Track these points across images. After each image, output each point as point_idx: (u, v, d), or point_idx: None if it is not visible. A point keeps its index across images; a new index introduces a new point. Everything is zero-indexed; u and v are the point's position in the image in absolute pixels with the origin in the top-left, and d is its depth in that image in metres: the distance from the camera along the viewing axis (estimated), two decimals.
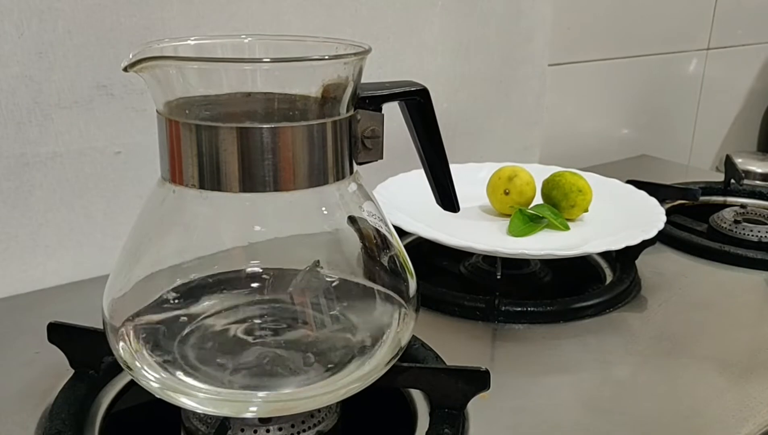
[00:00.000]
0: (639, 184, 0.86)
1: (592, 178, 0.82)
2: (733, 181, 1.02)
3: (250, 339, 0.46)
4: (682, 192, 0.94)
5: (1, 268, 0.67)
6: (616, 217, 0.77)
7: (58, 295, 0.68)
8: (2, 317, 0.64)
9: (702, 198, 0.96)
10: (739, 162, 1.15)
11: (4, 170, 0.65)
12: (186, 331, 0.46)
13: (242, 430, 0.44)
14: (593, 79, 1.16)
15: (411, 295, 0.47)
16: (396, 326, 0.46)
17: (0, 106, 0.63)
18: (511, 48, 0.99)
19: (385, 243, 0.46)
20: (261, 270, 0.48)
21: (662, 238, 0.80)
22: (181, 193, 0.42)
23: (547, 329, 0.63)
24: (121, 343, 0.44)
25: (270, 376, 0.43)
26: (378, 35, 0.85)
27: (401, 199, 0.75)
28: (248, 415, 0.42)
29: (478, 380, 0.48)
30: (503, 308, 0.64)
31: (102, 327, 0.45)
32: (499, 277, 0.69)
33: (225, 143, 0.39)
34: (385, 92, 0.44)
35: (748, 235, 0.84)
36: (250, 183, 0.40)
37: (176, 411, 0.46)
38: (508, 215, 0.77)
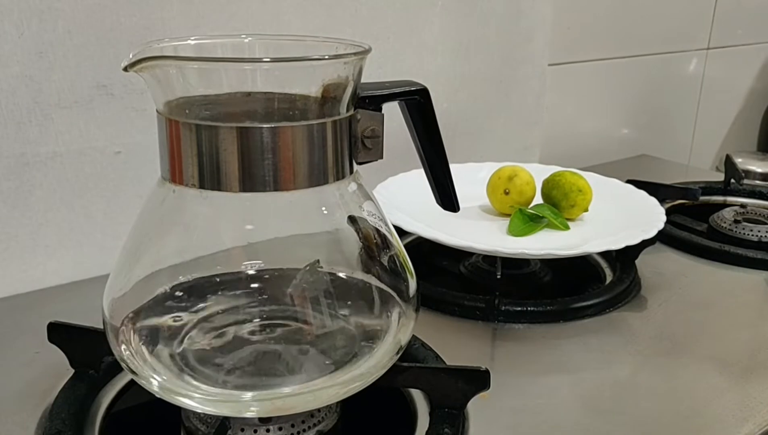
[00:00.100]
0: (639, 184, 0.86)
1: (592, 178, 0.82)
2: (733, 180, 1.02)
3: (250, 339, 0.46)
4: (682, 192, 0.94)
5: (1, 267, 0.67)
6: (616, 217, 0.77)
7: (58, 294, 0.68)
8: (2, 317, 0.64)
9: (702, 198, 0.96)
10: (739, 162, 1.15)
11: (4, 170, 0.65)
12: (186, 330, 0.46)
13: (242, 430, 0.44)
14: (593, 78, 1.16)
15: (411, 295, 0.47)
16: (396, 326, 0.46)
17: (0, 105, 0.63)
18: (511, 48, 0.99)
19: (385, 243, 0.46)
20: (261, 270, 0.48)
21: (662, 237, 0.80)
22: (181, 192, 0.42)
23: (547, 329, 0.63)
24: (122, 343, 0.44)
25: (270, 376, 0.43)
26: (378, 35, 0.85)
27: (401, 198, 0.75)
28: (248, 414, 0.42)
29: (478, 380, 0.48)
30: (503, 308, 0.64)
31: (102, 327, 0.45)
32: (499, 276, 0.69)
33: (225, 143, 0.39)
34: (385, 92, 0.44)
35: (748, 234, 0.84)
36: (250, 183, 0.40)
37: (176, 411, 0.46)
38: (508, 215, 0.77)
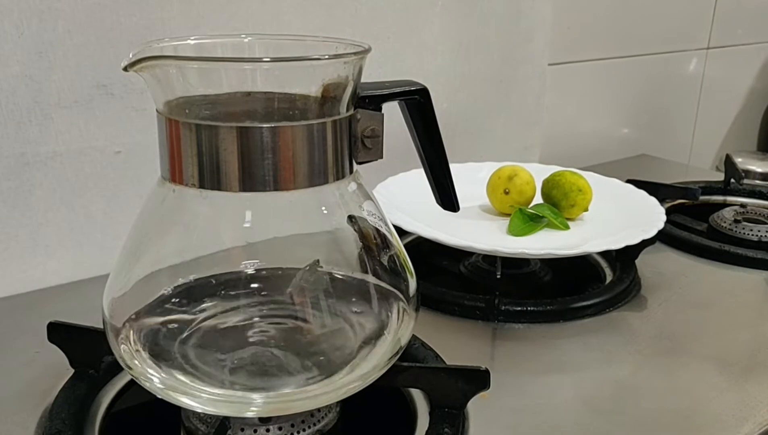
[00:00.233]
0: (639, 184, 0.86)
1: (592, 178, 0.82)
2: (733, 180, 1.02)
3: (250, 338, 0.46)
4: (682, 191, 0.94)
5: (1, 267, 0.67)
6: (616, 217, 0.77)
7: (58, 294, 0.68)
8: (2, 317, 0.64)
9: (702, 197, 0.96)
10: (739, 161, 1.15)
11: (4, 170, 0.65)
12: (186, 330, 0.46)
13: (242, 430, 0.44)
14: (593, 78, 1.16)
15: (411, 295, 0.47)
16: (396, 326, 0.46)
17: (0, 105, 0.63)
18: (511, 48, 0.99)
19: (384, 242, 0.46)
20: (261, 269, 0.48)
21: (662, 237, 0.80)
22: (181, 192, 0.42)
23: (547, 329, 0.63)
24: (122, 343, 0.44)
25: (270, 376, 0.43)
26: (378, 35, 0.85)
27: (401, 198, 0.75)
28: (248, 414, 0.42)
29: (478, 380, 0.48)
30: (503, 308, 0.64)
31: (102, 326, 0.45)
32: (499, 276, 0.69)
33: (225, 143, 0.39)
34: (385, 92, 0.44)
35: (748, 234, 0.84)
36: (250, 182, 0.40)
37: (176, 411, 0.46)
38: (508, 215, 0.77)
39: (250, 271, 0.48)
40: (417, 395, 0.52)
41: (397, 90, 0.45)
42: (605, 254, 0.77)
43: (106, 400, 0.51)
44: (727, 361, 0.59)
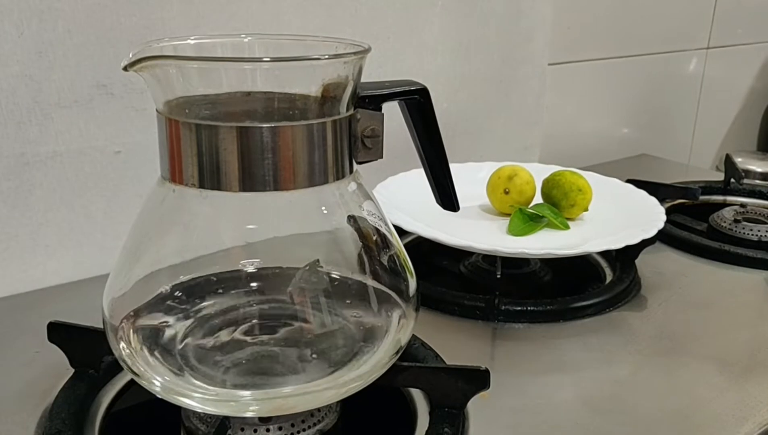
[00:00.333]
0: (639, 184, 0.86)
1: (592, 178, 0.82)
2: (732, 180, 1.02)
3: (249, 338, 0.46)
4: (682, 191, 0.94)
5: (1, 267, 0.67)
6: (616, 217, 0.77)
7: (58, 294, 0.68)
8: (2, 317, 0.64)
9: (702, 197, 0.96)
10: (739, 161, 1.15)
11: (4, 170, 0.65)
12: (186, 330, 0.46)
13: (242, 430, 0.44)
14: (593, 78, 1.16)
15: (411, 295, 0.47)
16: (396, 325, 0.46)
17: (0, 105, 0.63)
18: (511, 48, 0.99)
19: (384, 242, 0.46)
20: (261, 269, 0.48)
21: (662, 237, 0.80)
22: (181, 192, 0.42)
23: (547, 328, 0.63)
24: (122, 343, 0.44)
25: (270, 376, 0.43)
26: (378, 35, 0.85)
27: (401, 198, 0.75)
28: (248, 414, 0.42)
29: (478, 379, 0.48)
30: (503, 307, 0.64)
31: (102, 326, 0.45)
32: (499, 276, 0.69)
33: (225, 142, 0.39)
34: (385, 91, 0.44)
35: (748, 234, 0.84)
36: (249, 182, 0.40)
37: (176, 410, 0.46)
38: (508, 214, 0.77)
39: (250, 270, 0.48)
40: (417, 395, 0.52)
41: (397, 90, 0.45)
42: (605, 254, 0.77)
43: (106, 400, 0.51)
44: (727, 361, 0.59)
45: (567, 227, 0.76)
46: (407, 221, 0.69)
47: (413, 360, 0.54)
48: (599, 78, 1.17)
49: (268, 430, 0.44)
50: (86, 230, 0.70)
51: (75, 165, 0.68)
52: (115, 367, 0.52)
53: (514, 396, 0.53)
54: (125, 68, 0.38)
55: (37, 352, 0.56)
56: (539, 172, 0.81)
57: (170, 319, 0.46)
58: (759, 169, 1.19)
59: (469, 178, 0.79)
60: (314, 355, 0.45)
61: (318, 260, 0.47)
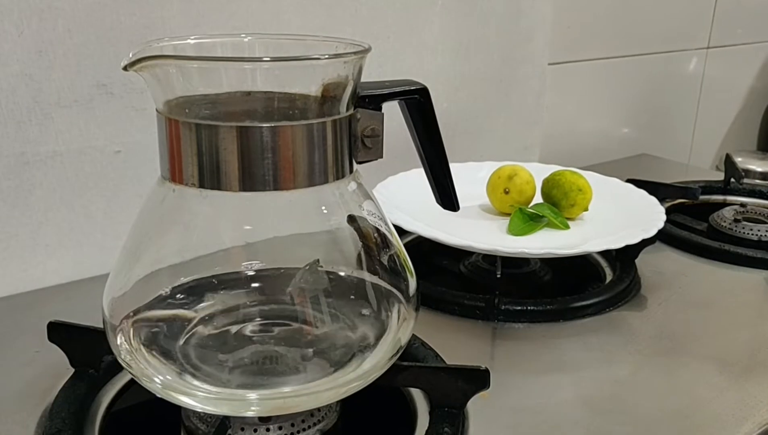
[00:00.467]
0: (639, 183, 0.86)
1: (592, 177, 0.82)
2: (732, 180, 1.02)
3: (249, 338, 0.46)
4: (682, 191, 0.94)
5: (1, 267, 0.67)
6: (616, 216, 0.77)
7: (58, 294, 0.68)
8: (2, 317, 0.64)
9: (702, 197, 0.96)
10: (739, 161, 1.15)
11: (4, 169, 0.65)
12: (186, 330, 0.46)
13: (242, 429, 0.44)
14: (593, 78, 1.16)
15: (411, 294, 0.47)
16: (396, 325, 0.46)
17: (0, 105, 0.63)
18: (511, 48, 0.99)
19: (384, 242, 0.46)
20: (261, 269, 0.48)
21: (662, 237, 0.80)
22: (181, 192, 0.42)
23: (547, 328, 0.63)
24: (122, 342, 0.44)
25: (270, 375, 0.43)
26: (378, 35, 0.85)
27: (401, 198, 0.75)
28: (248, 414, 0.42)
29: (478, 379, 0.48)
30: (503, 307, 0.64)
31: (102, 326, 0.45)
32: (498, 276, 0.69)
33: (225, 142, 0.39)
34: (385, 91, 0.44)
35: (748, 233, 0.84)
36: (249, 182, 0.40)
37: (176, 410, 0.46)
38: (508, 214, 0.77)
39: (250, 270, 0.48)
40: (417, 395, 0.52)
41: (397, 89, 0.45)
42: (605, 254, 0.77)
43: (106, 399, 0.51)
44: (727, 360, 0.59)
45: (567, 227, 0.76)
46: (407, 221, 0.69)
47: (413, 360, 0.54)
48: (599, 78, 1.17)
49: (268, 430, 0.44)
50: (86, 230, 0.70)
51: (75, 165, 0.68)
52: (115, 367, 0.52)
53: (514, 396, 0.53)
54: (125, 68, 0.38)
55: (37, 351, 0.56)
56: (539, 172, 0.81)
57: (170, 319, 0.46)
58: (759, 169, 1.19)
59: (469, 177, 0.79)
60: (314, 355, 0.45)
61: (318, 260, 0.47)
